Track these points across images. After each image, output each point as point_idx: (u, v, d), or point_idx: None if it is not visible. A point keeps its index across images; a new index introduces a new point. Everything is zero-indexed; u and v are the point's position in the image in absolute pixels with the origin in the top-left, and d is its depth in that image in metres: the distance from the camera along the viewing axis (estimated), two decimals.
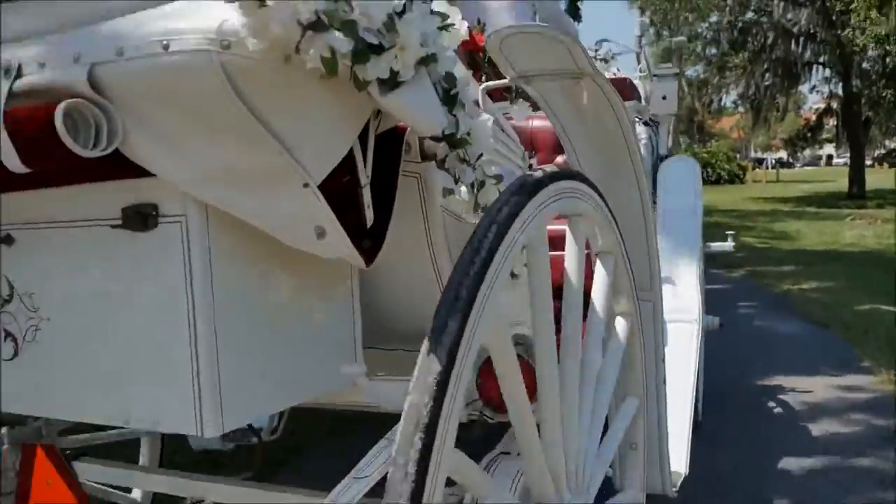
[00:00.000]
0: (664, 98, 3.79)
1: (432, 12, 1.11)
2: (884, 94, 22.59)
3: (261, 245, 1.23)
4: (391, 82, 1.02)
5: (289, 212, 1.15)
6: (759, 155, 65.51)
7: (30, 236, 1.32)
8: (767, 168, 52.60)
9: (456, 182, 1.37)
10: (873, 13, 20.30)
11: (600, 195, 1.53)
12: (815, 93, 32.10)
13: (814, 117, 36.91)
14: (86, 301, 1.28)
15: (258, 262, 1.27)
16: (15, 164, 1.09)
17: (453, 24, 1.15)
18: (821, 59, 28.37)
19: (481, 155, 1.36)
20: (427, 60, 1.07)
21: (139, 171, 1.13)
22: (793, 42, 26.64)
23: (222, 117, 1.04)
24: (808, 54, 27.71)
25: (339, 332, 1.47)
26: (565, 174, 1.37)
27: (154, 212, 1.18)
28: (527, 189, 1.20)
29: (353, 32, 0.97)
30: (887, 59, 27.15)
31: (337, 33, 0.96)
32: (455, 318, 0.98)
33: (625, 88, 3.35)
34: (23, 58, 1.10)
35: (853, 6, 20.94)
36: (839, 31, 25.78)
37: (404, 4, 1.02)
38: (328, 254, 1.21)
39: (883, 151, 56.24)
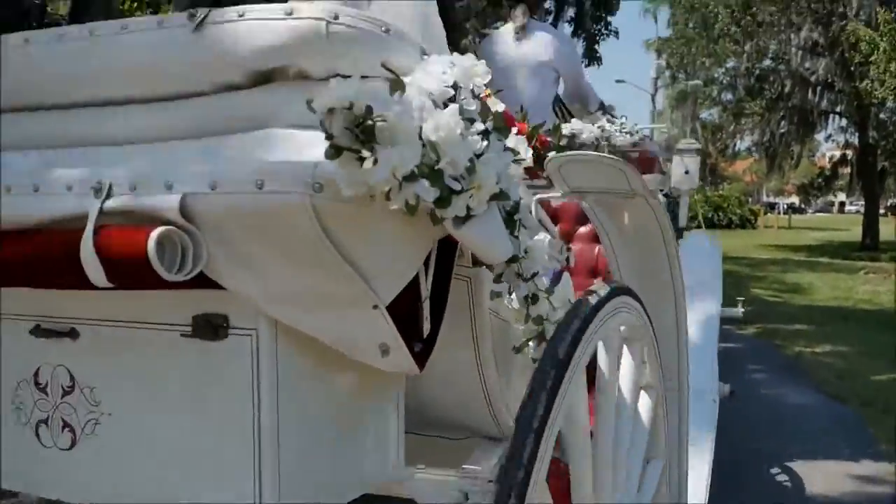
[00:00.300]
0: (686, 172, 3.77)
1: (506, 149, 1.16)
2: None
3: (323, 356, 1.28)
4: (465, 217, 1.09)
5: (356, 331, 1.22)
6: (772, 199, 65.25)
7: (94, 332, 1.35)
8: (779, 213, 52.29)
9: (510, 294, 1.45)
10: (893, 65, 20.08)
11: (640, 302, 1.71)
12: (831, 141, 31.88)
13: (827, 164, 36.67)
14: (148, 400, 1.32)
15: (319, 371, 1.31)
16: (100, 279, 1.13)
17: (524, 159, 1.22)
18: (837, 109, 28.20)
19: (536, 273, 1.43)
20: (499, 196, 1.13)
21: (212, 284, 1.17)
22: (810, 91, 26.47)
23: (306, 250, 1.10)
24: (824, 103, 27.54)
25: (386, 430, 1.51)
26: (619, 290, 1.58)
27: (225, 323, 1.22)
28: (586, 312, 1.40)
29: (440, 182, 1.02)
30: None
31: (425, 182, 1.01)
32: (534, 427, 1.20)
33: (650, 163, 3.28)
34: (114, 178, 1.15)
35: (873, 58, 20.73)
36: (857, 82, 25.62)
37: (484, 146, 1.08)
38: (389, 368, 1.28)
39: (895, 201, 55.86)
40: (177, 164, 1.16)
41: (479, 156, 1.07)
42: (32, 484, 1.47)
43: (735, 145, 33.48)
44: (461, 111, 1.06)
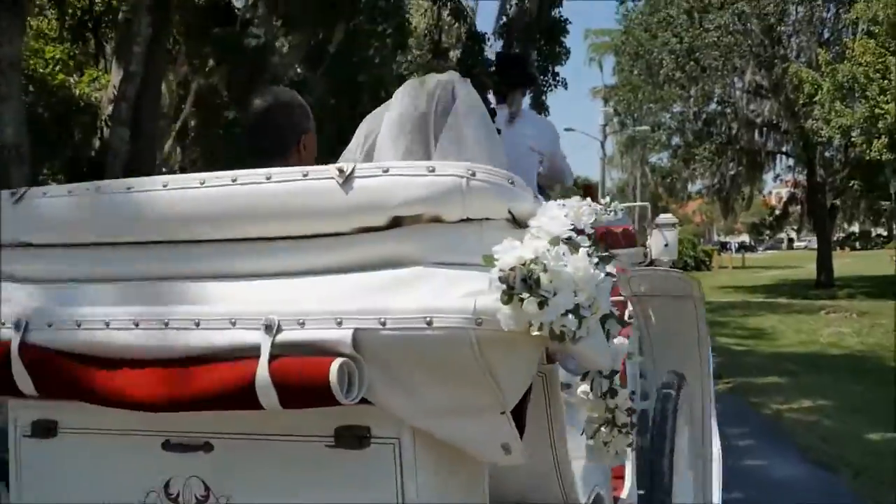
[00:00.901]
0: (666, 245, 3.81)
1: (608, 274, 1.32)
2: (850, 184, 22.47)
3: (450, 456, 1.45)
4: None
5: (486, 434, 1.40)
6: (723, 238, 66.11)
7: (229, 445, 1.48)
8: (732, 252, 52.82)
9: (591, 390, 1.69)
10: (838, 105, 20.31)
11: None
12: (778, 180, 32.30)
13: (774, 201, 37.13)
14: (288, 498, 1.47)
15: (446, 469, 1.47)
16: (272, 404, 1.29)
17: (616, 278, 1.39)
18: (784, 149, 28.60)
19: (616, 372, 1.67)
20: (607, 317, 1.31)
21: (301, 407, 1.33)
22: (756, 132, 26.78)
23: (463, 373, 1.30)
24: (771, 144, 27.90)
25: None
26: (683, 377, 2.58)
27: (367, 434, 1.38)
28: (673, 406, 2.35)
29: (579, 313, 1.22)
30: (849, 149, 27.42)
31: (571, 316, 1.20)
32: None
33: (631, 238, 3.36)
34: (283, 314, 1.32)
35: (818, 98, 20.97)
36: (802, 122, 25.98)
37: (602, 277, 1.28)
38: (508, 464, 1.47)
39: (843, 235, 56.99)
40: (341, 300, 1.33)
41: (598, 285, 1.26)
42: None
43: (686, 189, 33.62)
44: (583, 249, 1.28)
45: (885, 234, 60.51)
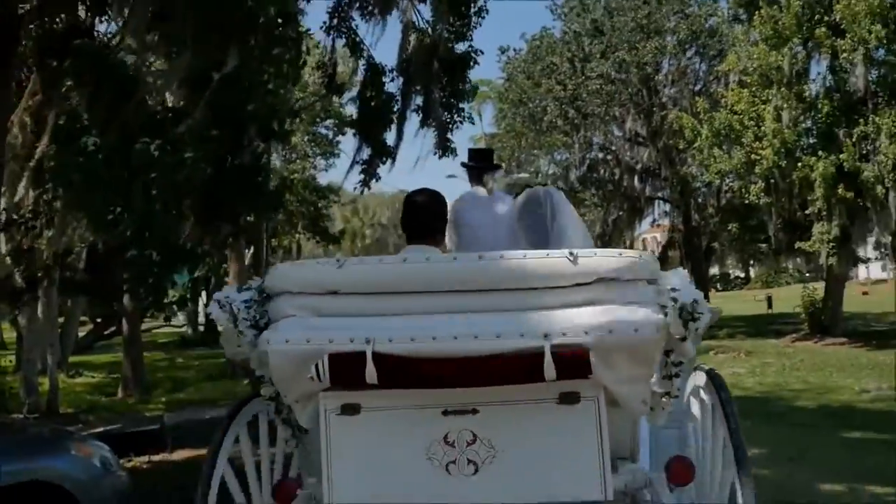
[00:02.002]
0: None
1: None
2: (728, 228, 23.21)
3: (616, 410, 2.68)
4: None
5: (638, 393, 2.65)
6: None
7: (489, 408, 2.58)
8: None
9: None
10: (716, 150, 20.94)
11: None
12: (655, 225, 33.26)
13: (652, 245, 38.26)
14: (531, 440, 2.59)
15: (616, 416, 2.70)
16: (551, 375, 2.39)
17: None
18: (661, 195, 29.48)
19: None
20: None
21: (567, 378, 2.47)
22: (636, 178, 27.42)
23: (643, 358, 2.53)
24: (649, 190, 28.66)
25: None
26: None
27: (578, 396, 2.54)
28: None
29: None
30: (721, 195, 28.54)
31: (700, 331, 2.60)
32: None
33: None
34: (550, 330, 2.47)
35: (697, 144, 21.59)
36: (679, 168, 26.84)
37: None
38: (642, 414, 2.82)
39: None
40: (582, 320, 2.48)
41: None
42: (427, 497, 2.58)
43: None
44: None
45: (742, 275, 64.10)
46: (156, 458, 8.88)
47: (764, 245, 22.04)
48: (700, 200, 29.64)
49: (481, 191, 4.36)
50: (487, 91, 43.03)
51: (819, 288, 24.51)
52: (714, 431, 2.92)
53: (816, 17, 19.25)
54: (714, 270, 60.06)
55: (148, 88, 6.91)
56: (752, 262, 50.68)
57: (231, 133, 7.53)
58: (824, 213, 19.44)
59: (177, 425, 10.97)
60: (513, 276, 2.56)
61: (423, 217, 3.17)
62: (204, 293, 27.60)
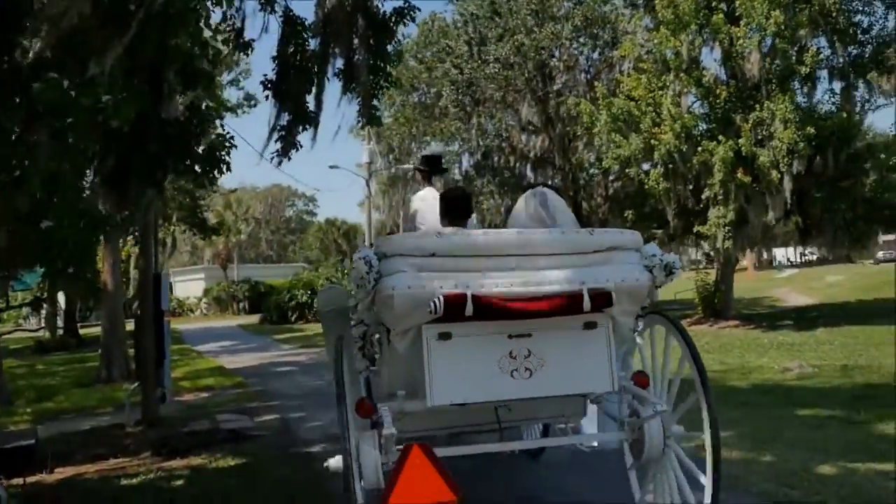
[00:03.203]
0: None
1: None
2: (624, 214, 23.29)
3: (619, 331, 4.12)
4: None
5: (631, 321, 4.06)
6: None
7: (539, 333, 3.82)
8: None
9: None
10: (616, 136, 20.87)
11: None
12: None
13: None
14: (565, 352, 3.86)
15: (621, 333, 4.10)
16: (588, 307, 3.71)
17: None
18: (550, 183, 29.40)
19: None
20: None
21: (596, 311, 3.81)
22: (529, 167, 27.15)
23: (640, 297, 4.00)
24: (541, 178, 28.48)
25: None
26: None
27: (596, 324, 3.87)
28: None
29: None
30: (610, 183, 28.80)
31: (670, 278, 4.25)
32: None
33: None
34: (586, 280, 3.82)
35: (596, 130, 21.45)
36: (571, 157, 26.79)
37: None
38: (633, 331, 4.23)
39: None
40: (604, 274, 3.85)
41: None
42: (499, 394, 3.86)
43: None
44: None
45: None
46: (32, 478, 7.32)
47: (660, 231, 22.29)
48: (590, 190, 29.83)
49: (433, 191, 5.55)
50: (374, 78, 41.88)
51: (711, 274, 25.13)
52: (665, 356, 4.37)
53: (713, 3, 19.51)
54: None
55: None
56: None
57: (149, 77, 6.12)
58: (720, 197, 19.77)
59: (51, 439, 9.45)
60: (556, 245, 3.96)
61: (463, 205, 4.64)
62: (62, 294, 25.10)
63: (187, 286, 55.42)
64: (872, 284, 37.03)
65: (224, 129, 8.53)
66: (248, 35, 9.20)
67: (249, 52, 9.15)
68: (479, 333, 3.74)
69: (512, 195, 27.46)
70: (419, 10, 9.07)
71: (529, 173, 27.46)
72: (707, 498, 3.86)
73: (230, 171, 8.68)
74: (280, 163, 8.80)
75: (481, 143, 25.29)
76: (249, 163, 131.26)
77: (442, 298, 3.53)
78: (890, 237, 58.96)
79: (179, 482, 7.25)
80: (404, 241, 3.86)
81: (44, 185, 5.50)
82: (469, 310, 3.54)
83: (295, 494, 6.26)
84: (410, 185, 37.81)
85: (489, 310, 3.61)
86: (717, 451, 3.87)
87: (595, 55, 24.92)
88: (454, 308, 3.55)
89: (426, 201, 5.30)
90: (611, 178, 28.47)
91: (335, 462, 3.95)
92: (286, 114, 8.81)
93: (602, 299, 3.68)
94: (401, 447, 3.55)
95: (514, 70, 23.32)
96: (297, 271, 49.77)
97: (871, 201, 20.16)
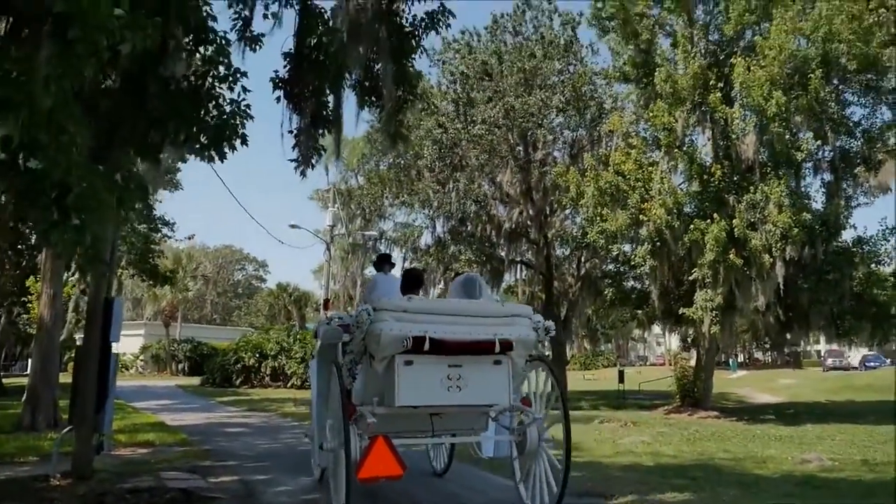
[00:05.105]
0: None
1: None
2: (604, 292, 22.31)
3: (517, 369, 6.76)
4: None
5: (523, 365, 6.70)
6: None
7: (469, 361, 6.08)
8: None
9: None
10: (602, 210, 20.09)
11: None
12: (511, 293, 32.20)
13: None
14: (480, 377, 6.12)
15: (518, 373, 6.69)
16: (497, 349, 6.11)
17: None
18: (523, 259, 28.44)
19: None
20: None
21: (502, 353, 6.25)
22: (503, 239, 26.17)
23: (529, 348, 6.45)
24: (513, 252, 27.52)
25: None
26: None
27: (502, 359, 6.23)
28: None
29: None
30: (581, 265, 27.98)
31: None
32: None
33: None
34: (498, 335, 6.11)
35: (583, 202, 20.65)
36: (547, 232, 25.96)
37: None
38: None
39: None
40: (508, 331, 6.15)
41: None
42: (440, 400, 6.03)
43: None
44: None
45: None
46: None
47: (639, 311, 21.38)
48: (562, 270, 29.00)
49: (383, 275, 7.97)
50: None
51: (689, 360, 24.13)
52: (543, 389, 6.60)
53: (711, 82, 19.20)
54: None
55: None
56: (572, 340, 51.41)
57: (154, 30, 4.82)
58: (709, 280, 18.98)
59: None
60: (480, 310, 6.25)
61: (417, 281, 7.30)
62: None
63: (124, 341, 52.29)
64: (831, 388, 36.73)
65: (239, 97, 7.15)
66: (256, 28, 8.04)
67: (258, 46, 7.92)
68: (430, 362, 5.86)
69: (484, 266, 26.42)
70: (454, 16, 8.05)
71: (503, 245, 26.47)
72: (561, 480, 6.19)
73: (246, 144, 7.33)
74: (303, 172, 7.58)
75: (458, 208, 24.25)
76: (206, 221, 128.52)
77: (411, 338, 5.71)
78: (833, 346, 59.83)
79: None
80: (388, 303, 5.96)
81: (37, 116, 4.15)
82: (427, 346, 5.73)
83: None
84: (369, 254, 36.64)
85: (439, 347, 5.78)
86: (568, 454, 6.21)
87: (581, 130, 24.42)
88: (418, 344, 5.72)
89: (380, 282, 7.76)
90: (582, 258, 27.71)
91: (327, 444, 6.42)
92: (300, 117, 7.58)
93: (506, 345, 6.02)
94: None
95: (501, 131, 22.54)
96: (242, 335, 47.50)
97: (860, 296, 19.62)
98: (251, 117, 7.02)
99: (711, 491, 8.02)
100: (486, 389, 6.05)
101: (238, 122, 6.99)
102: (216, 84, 7.00)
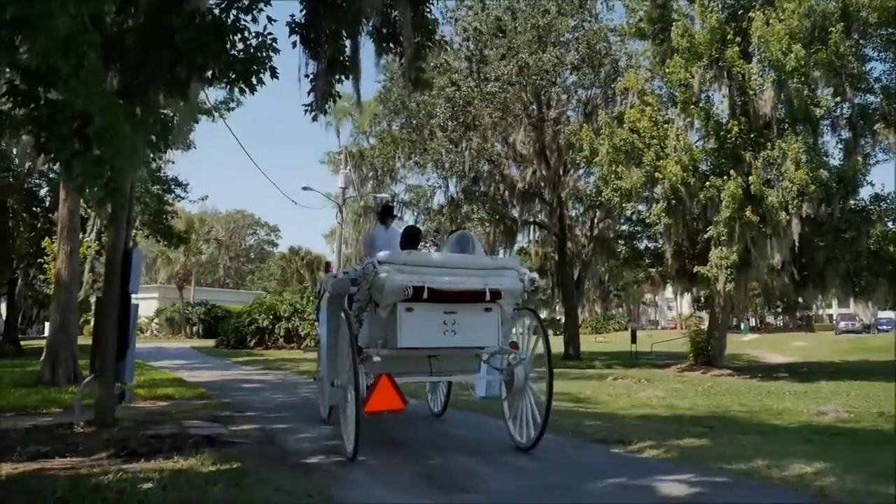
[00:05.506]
0: None
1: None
2: (619, 251, 22.24)
3: (510, 316, 7.51)
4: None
5: (511, 311, 7.32)
6: None
7: (460, 310, 6.55)
8: None
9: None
10: (618, 168, 19.93)
11: None
12: (524, 254, 32.16)
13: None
14: (473, 322, 6.63)
15: (510, 319, 7.40)
16: (487, 297, 6.59)
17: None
18: (537, 220, 28.35)
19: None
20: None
21: (492, 301, 6.82)
22: (516, 199, 26.06)
23: (518, 294, 6.90)
24: (526, 213, 27.42)
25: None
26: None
27: (493, 306, 6.70)
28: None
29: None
30: (594, 225, 27.87)
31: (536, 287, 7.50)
32: None
33: None
34: (488, 284, 6.63)
35: (597, 160, 20.49)
36: (560, 192, 25.83)
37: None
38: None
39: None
40: (497, 280, 6.66)
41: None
42: (437, 343, 6.56)
43: None
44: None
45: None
46: None
47: (653, 270, 21.32)
48: (574, 231, 28.89)
49: (384, 228, 8.68)
50: (347, 106, 40.79)
51: (703, 321, 24.11)
52: (528, 336, 7.04)
53: (728, 37, 18.89)
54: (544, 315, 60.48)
55: None
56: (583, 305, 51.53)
57: None
58: (724, 237, 18.87)
59: None
60: (473, 263, 6.74)
61: (416, 238, 7.58)
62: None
63: (139, 305, 52.92)
64: (843, 349, 36.70)
65: (265, 30, 7.05)
66: None
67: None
68: (428, 309, 6.35)
69: (497, 227, 26.38)
70: None
71: (516, 205, 26.36)
72: (543, 416, 6.62)
73: (276, 77, 7.25)
74: (315, 117, 7.50)
75: (471, 167, 24.13)
76: (217, 187, 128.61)
77: (412, 288, 6.17)
78: (845, 310, 59.68)
79: (148, 485, 5.72)
80: (391, 257, 6.43)
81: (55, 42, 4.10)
82: (425, 295, 6.21)
83: None
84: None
85: (436, 296, 6.28)
86: (550, 390, 6.65)
87: (595, 88, 24.14)
88: (417, 293, 6.19)
89: (378, 237, 8.41)
90: (595, 219, 27.60)
91: (337, 382, 7.04)
92: (316, 62, 7.48)
93: (496, 294, 6.50)
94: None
95: (514, 89, 22.30)
96: (256, 297, 47.75)
97: (877, 253, 19.47)
98: (277, 51, 6.92)
99: (730, 437, 8.05)
100: (478, 333, 6.61)
101: (265, 55, 6.90)
102: (240, 16, 6.90)
